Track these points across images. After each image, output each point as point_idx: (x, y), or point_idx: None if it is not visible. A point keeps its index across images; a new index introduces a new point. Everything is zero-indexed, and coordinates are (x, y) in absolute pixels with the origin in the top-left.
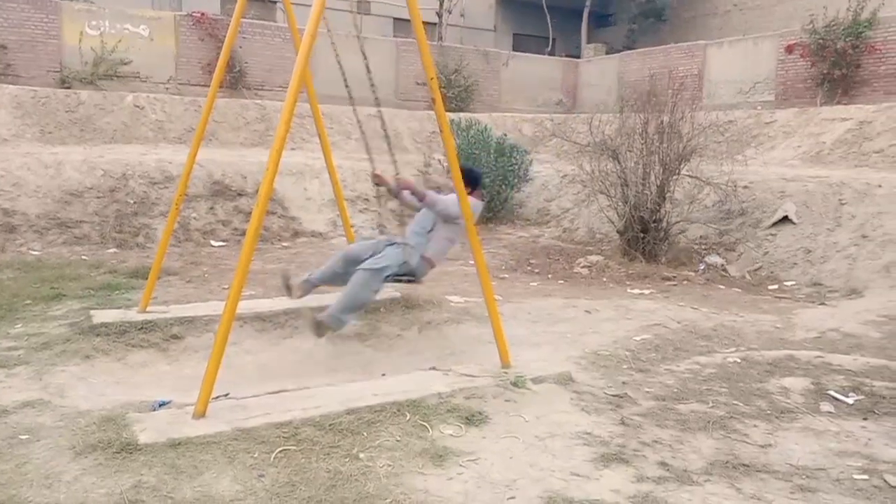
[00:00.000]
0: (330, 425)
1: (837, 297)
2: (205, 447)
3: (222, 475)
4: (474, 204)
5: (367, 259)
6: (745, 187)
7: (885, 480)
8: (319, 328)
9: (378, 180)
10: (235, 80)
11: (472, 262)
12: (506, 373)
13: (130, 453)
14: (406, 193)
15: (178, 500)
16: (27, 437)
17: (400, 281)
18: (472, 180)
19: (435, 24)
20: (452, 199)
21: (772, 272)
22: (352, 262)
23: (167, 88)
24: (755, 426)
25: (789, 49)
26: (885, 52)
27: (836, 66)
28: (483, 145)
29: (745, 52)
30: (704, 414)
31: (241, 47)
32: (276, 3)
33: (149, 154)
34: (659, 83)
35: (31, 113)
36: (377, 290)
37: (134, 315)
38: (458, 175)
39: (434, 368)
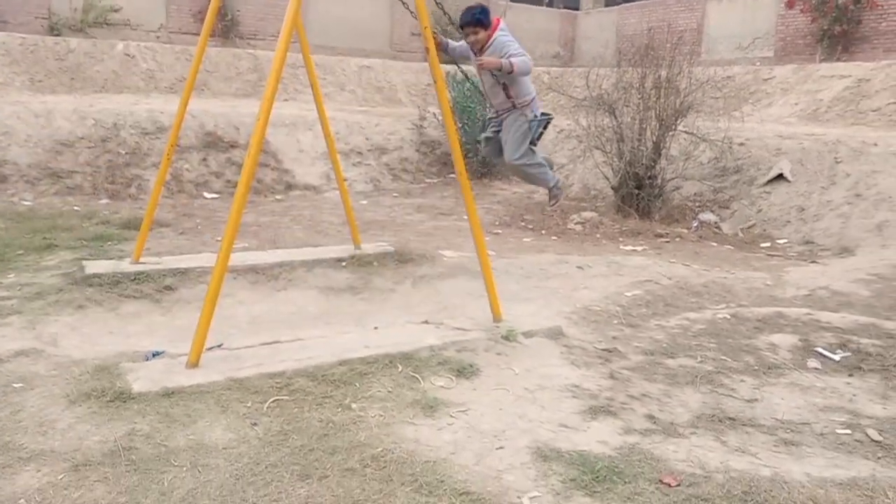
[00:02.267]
0: (322, 376)
1: (829, 255)
2: (198, 396)
3: (215, 424)
4: (509, 40)
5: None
6: (741, 144)
7: (867, 435)
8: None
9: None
10: (227, 29)
11: (465, 216)
12: (497, 327)
13: (124, 402)
14: (461, 48)
15: (171, 448)
16: (21, 385)
17: (542, 132)
18: (486, 18)
19: None
20: (523, 55)
21: (765, 230)
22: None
23: (158, 37)
24: (742, 381)
25: (790, 4)
26: (886, 9)
27: (836, 22)
28: (478, 99)
29: (744, 7)
30: (693, 369)
31: None
32: None
33: (140, 104)
34: (657, 37)
35: (20, 61)
36: (535, 155)
37: (127, 266)
38: (452, 127)
39: (426, 322)
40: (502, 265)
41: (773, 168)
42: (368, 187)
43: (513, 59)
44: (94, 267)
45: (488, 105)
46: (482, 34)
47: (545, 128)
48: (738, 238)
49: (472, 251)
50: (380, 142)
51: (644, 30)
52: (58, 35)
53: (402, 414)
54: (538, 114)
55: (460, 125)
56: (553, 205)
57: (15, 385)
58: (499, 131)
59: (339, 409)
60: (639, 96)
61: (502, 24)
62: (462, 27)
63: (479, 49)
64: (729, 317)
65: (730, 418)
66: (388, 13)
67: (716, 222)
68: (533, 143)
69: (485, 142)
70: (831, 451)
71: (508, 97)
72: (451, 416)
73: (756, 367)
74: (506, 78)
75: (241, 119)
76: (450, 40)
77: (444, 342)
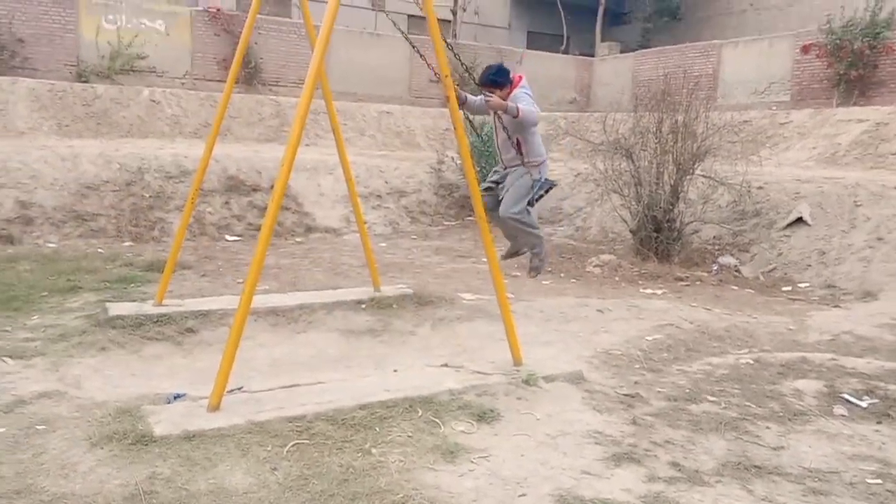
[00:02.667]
0: (342, 420)
1: (851, 299)
2: (219, 440)
3: (236, 468)
4: (524, 94)
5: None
6: (760, 188)
7: None
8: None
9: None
10: (250, 76)
11: (484, 259)
12: (517, 370)
13: (146, 445)
14: (477, 102)
15: (192, 492)
16: (44, 427)
17: (543, 196)
18: (501, 79)
19: (449, 21)
20: (531, 105)
21: (785, 273)
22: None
23: (183, 83)
24: (767, 428)
25: (805, 49)
26: None
27: (852, 67)
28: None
29: (760, 52)
30: (717, 415)
31: (256, 43)
32: None
33: (164, 148)
34: (673, 82)
35: (48, 106)
36: (530, 216)
37: (149, 308)
38: (471, 171)
39: (446, 365)
40: (521, 308)
41: (793, 211)
42: (387, 230)
43: (519, 105)
44: (118, 309)
45: (499, 160)
46: (498, 93)
47: (547, 192)
48: (758, 282)
49: (490, 294)
50: (399, 185)
51: (660, 75)
52: (85, 82)
53: (423, 459)
54: (545, 177)
55: (479, 169)
56: (533, 275)
57: (38, 427)
58: (499, 183)
59: (360, 454)
60: (656, 141)
61: (524, 82)
62: (481, 85)
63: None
64: (752, 362)
65: (756, 466)
66: (407, 60)
67: (736, 266)
68: (531, 202)
69: (484, 192)
70: (862, 502)
71: (519, 153)
72: (472, 462)
73: (781, 414)
74: (518, 133)
75: (264, 163)
76: (468, 94)
77: (464, 386)
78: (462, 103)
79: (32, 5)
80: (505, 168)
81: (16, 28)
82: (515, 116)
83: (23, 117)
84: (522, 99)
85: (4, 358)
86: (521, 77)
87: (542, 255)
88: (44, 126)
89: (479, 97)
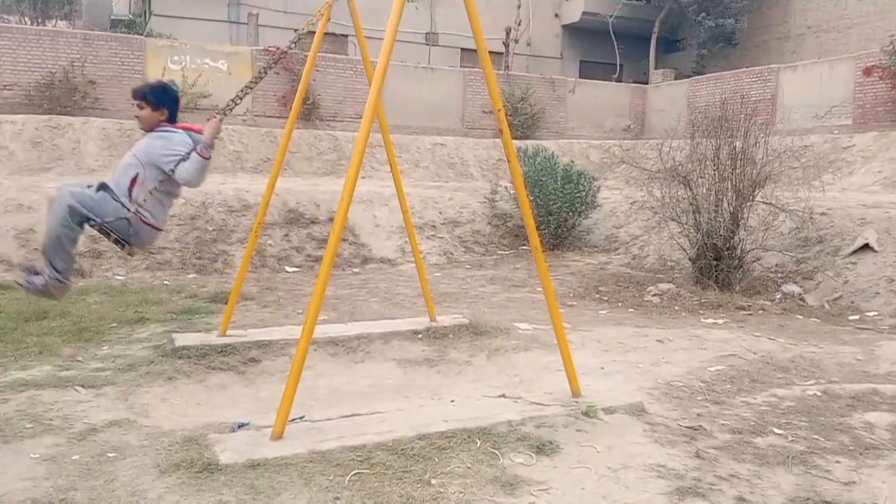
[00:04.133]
0: (402, 450)
1: None
2: (282, 469)
3: (299, 497)
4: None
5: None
6: (823, 214)
7: None
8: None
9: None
10: (308, 112)
11: (539, 289)
12: (576, 402)
13: (212, 473)
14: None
15: None
16: (114, 455)
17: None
18: (161, 100)
19: (501, 53)
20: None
21: (852, 302)
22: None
23: (244, 120)
24: (837, 462)
25: (867, 71)
26: None
27: None
28: (550, 172)
29: (820, 76)
30: (783, 448)
31: (314, 80)
32: (347, 37)
33: (227, 183)
34: (731, 108)
35: (118, 144)
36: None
37: (214, 338)
38: (526, 200)
39: (503, 396)
40: (578, 338)
41: (859, 238)
42: (442, 260)
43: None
44: (184, 340)
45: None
46: (147, 112)
47: (119, 242)
48: (824, 310)
49: (546, 323)
50: (452, 215)
51: (716, 101)
52: None
53: (483, 491)
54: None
55: (532, 198)
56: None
57: (109, 454)
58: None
59: (419, 485)
60: (714, 167)
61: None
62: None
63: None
64: (819, 393)
65: (826, 502)
66: (461, 93)
67: (800, 294)
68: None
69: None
70: None
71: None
72: (532, 494)
73: (852, 448)
74: (150, 171)
75: (322, 196)
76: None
77: (523, 417)
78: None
79: (103, 49)
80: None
81: (87, 70)
82: (208, 158)
83: (93, 155)
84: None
85: (77, 387)
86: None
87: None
88: (113, 163)
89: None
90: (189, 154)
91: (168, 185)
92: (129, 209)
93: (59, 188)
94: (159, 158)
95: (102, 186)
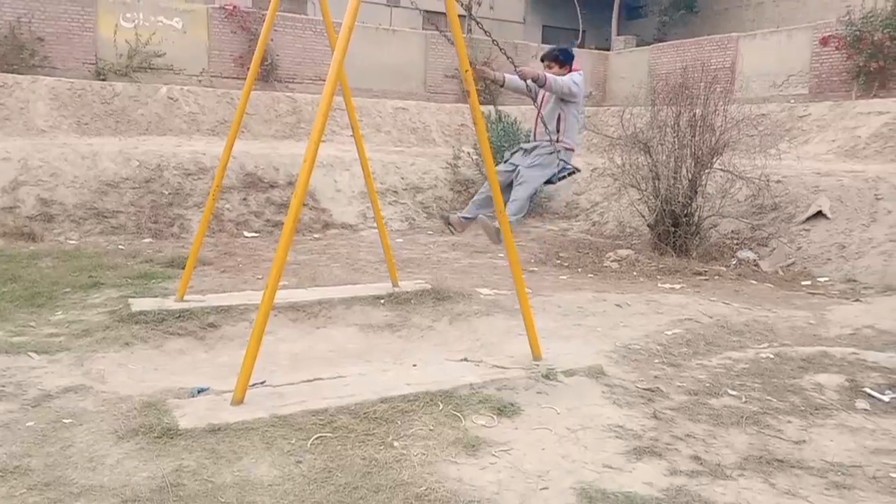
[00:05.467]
0: (364, 413)
1: (872, 293)
2: (243, 433)
3: (261, 460)
4: (573, 82)
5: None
6: (778, 182)
7: None
8: (498, 234)
9: (482, 73)
10: (267, 73)
11: (501, 255)
12: (537, 365)
13: (171, 438)
14: (515, 79)
15: (218, 485)
16: (70, 421)
17: (563, 179)
18: (565, 58)
19: (463, 17)
20: (569, 78)
21: (805, 268)
22: (506, 189)
23: (200, 81)
24: (789, 422)
25: (824, 41)
26: None
27: (872, 59)
28: (512, 138)
29: (778, 45)
30: (737, 409)
31: (272, 40)
32: None
33: (183, 146)
34: (691, 76)
35: (68, 104)
36: (534, 193)
37: (171, 303)
38: (492, 166)
39: (465, 360)
40: (539, 303)
41: (812, 205)
42: (404, 226)
43: (548, 75)
44: (140, 305)
45: (531, 135)
46: (556, 69)
47: (570, 174)
48: (778, 276)
49: (508, 289)
50: (415, 181)
51: (677, 69)
52: (104, 80)
53: (445, 452)
54: (570, 163)
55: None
56: (495, 237)
57: (65, 421)
58: (517, 167)
59: (382, 447)
60: (674, 134)
61: (581, 72)
62: (542, 59)
63: None
64: (772, 356)
65: (778, 460)
66: (423, 56)
67: (755, 260)
68: (551, 181)
69: (502, 172)
70: (886, 496)
71: (557, 129)
72: (494, 455)
73: (803, 408)
74: (561, 108)
75: (281, 160)
76: (505, 74)
77: (484, 380)
78: (502, 84)
79: (52, 4)
80: (533, 143)
81: (35, 27)
82: (543, 84)
83: (43, 116)
84: (565, 80)
85: (30, 353)
86: (578, 68)
87: (520, 222)
88: (63, 124)
89: (513, 76)
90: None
91: (572, 109)
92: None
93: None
94: (565, 93)
95: (532, 150)
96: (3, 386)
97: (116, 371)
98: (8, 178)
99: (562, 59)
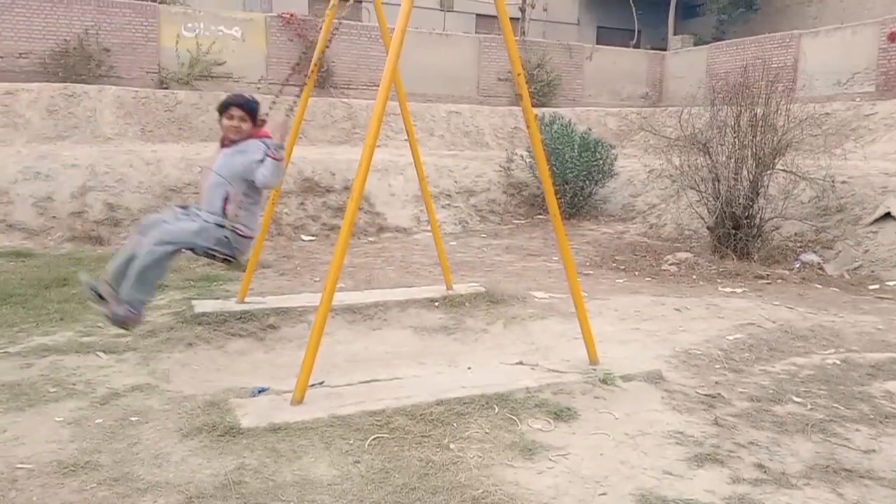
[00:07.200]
0: (420, 415)
1: None
2: (303, 432)
3: (320, 460)
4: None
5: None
6: (844, 182)
7: None
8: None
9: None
10: (323, 80)
11: (555, 257)
12: (594, 369)
13: (233, 437)
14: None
15: (278, 483)
16: (137, 418)
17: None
18: (256, 111)
19: (517, 19)
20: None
21: (873, 271)
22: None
23: (258, 88)
24: (857, 430)
25: (892, 37)
26: None
27: None
28: (567, 140)
29: (842, 42)
30: (802, 416)
31: (328, 47)
32: (361, 2)
33: None
34: (752, 74)
35: (133, 112)
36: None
37: (232, 305)
38: (545, 168)
39: (521, 363)
40: (595, 307)
41: (880, 207)
42: (457, 229)
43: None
44: (203, 306)
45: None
46: (248, 126)
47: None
48: (843, 280)
49: (562, 292)
50: (468, 184)
51: (736, 68)
52: (167, 88)
53: (501, 456)
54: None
55: (549, 167)
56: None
57: (132, 419)
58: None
59: (438, 449)
60: (734, 135)
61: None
62: (223, 108)
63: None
64: (839, 362)
65: (846, 469)
66: (476, 60)
67: (819, 263)
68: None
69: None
70: None
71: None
72: (551, 459)
73: (871, 416)
74: (240, 186)
75: (337, 165)
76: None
77: (540, 384)
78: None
79: (117, 16)
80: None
81: (102, 38)
82: (280, 159)
83: (109, 123)
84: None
85: (99, 353)
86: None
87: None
88: (129, 132)
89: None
90: (263, 159)
91: (253, 193)
92: (227, 228)
93: (148, 226)
94: (245, 170)
95: (190, 213)
96: (74, 384)
97: (180, 371)
98: (77, 184)
99: (254, 114)
